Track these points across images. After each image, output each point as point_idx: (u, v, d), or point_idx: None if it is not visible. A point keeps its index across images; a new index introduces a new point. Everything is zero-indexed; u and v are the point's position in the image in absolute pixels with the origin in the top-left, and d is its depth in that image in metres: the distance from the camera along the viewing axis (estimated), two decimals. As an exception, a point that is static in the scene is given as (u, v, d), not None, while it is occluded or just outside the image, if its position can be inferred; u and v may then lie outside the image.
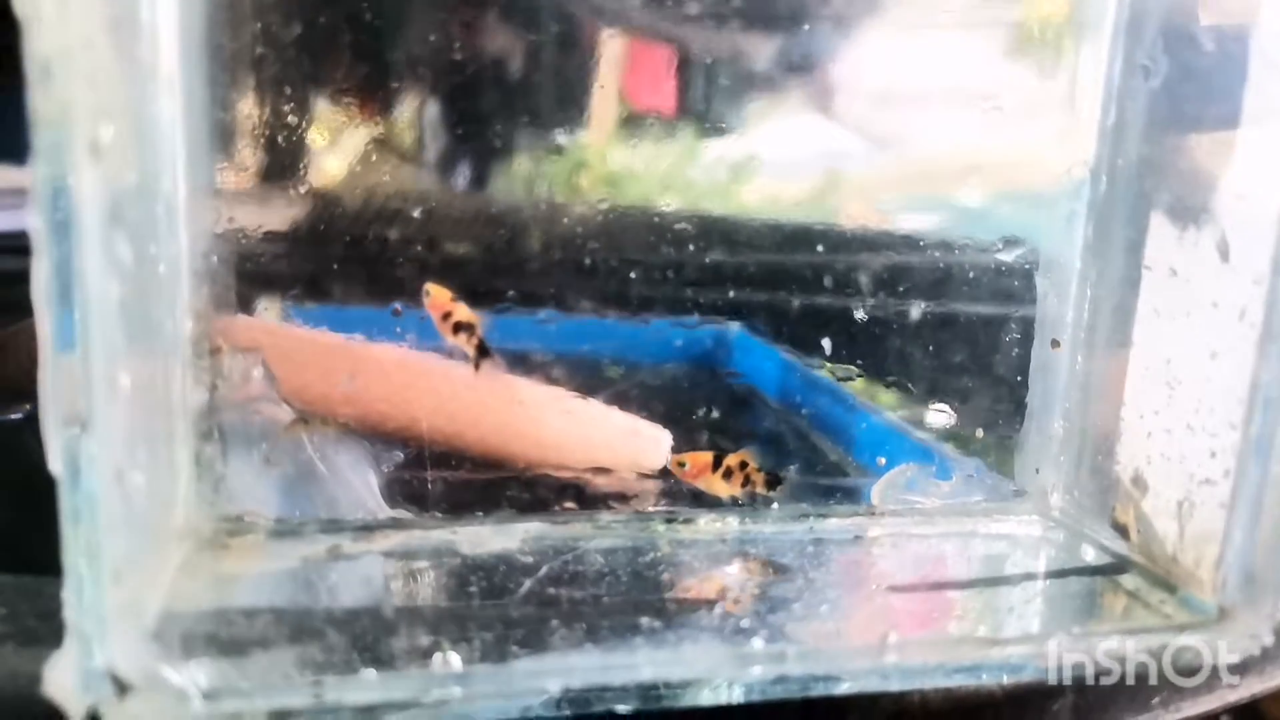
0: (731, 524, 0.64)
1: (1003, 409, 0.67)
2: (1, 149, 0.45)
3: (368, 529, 0.60)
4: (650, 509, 0.64)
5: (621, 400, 0.66)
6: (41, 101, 0.38)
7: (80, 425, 0.40)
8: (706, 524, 0.64)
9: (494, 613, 0.52)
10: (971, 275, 0.66)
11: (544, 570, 0.57)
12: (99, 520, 0.41)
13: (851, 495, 0.67)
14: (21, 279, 0.40)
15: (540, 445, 0.69)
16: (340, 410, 0.63)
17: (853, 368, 0.66)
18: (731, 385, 0.69)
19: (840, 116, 0.66)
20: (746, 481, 0.62)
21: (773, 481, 0.63)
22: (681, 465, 0.62)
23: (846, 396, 0.70)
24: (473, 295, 0.60)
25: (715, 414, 0.65)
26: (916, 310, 0.65)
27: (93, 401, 0.40)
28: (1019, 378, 0.66)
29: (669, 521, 0.64)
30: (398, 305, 0.61)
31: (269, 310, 0.60)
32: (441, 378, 0.66)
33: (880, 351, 0.66)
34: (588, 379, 0.66)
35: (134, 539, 0.46)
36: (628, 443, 0.70)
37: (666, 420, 0.66)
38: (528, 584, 0.55)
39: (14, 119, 0.39)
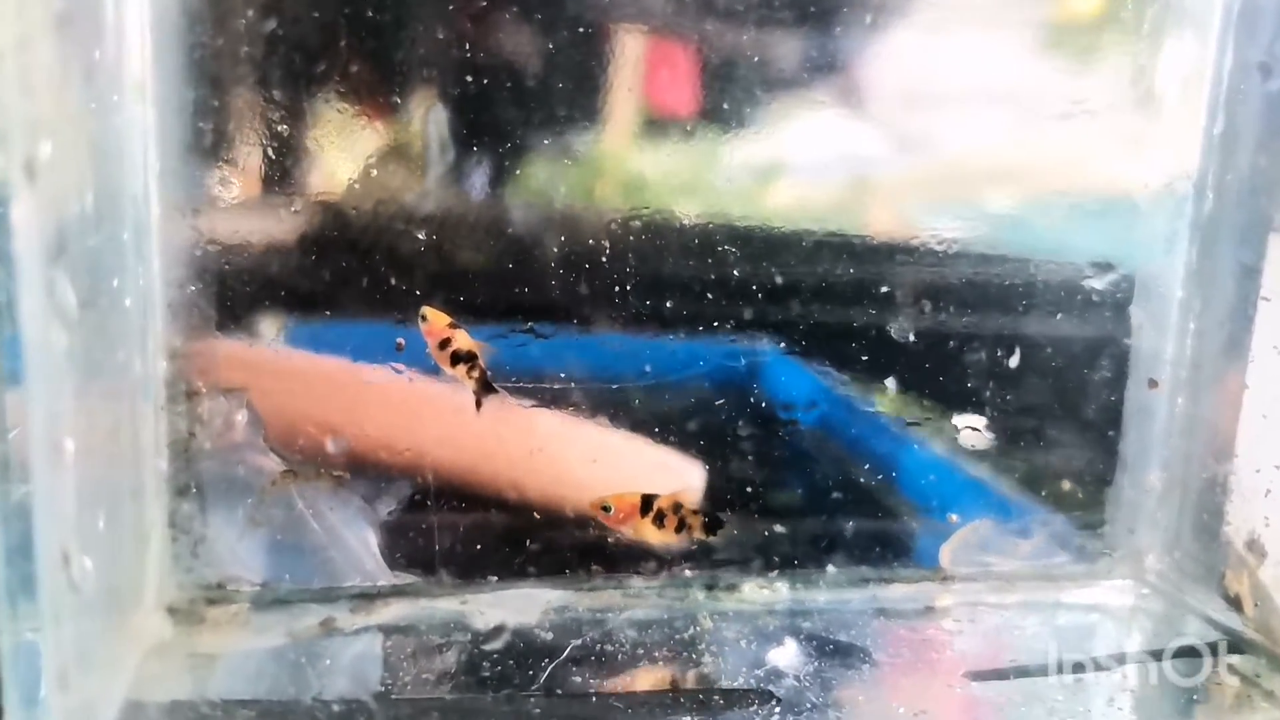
0: (781, 591, 0.56)
1: (1091, 456, 0.59)
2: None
3: (366, 598, 0.53)
4: (687, 572, 0.57)
5: (640, 427, 0.59)
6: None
7: (15, 506, 0.33)
8: (752, 591, 0.56)
9: (511, 708, 0.44)
10: (1054, 302, 0.57)
11: (568, 650, 0.49)
12: (42, 615, 0.35)
13: (904, 545, 0.59)
14: None
15: (559, 481, 0.62)
16: (337, 444, 0.56)
17: (919, 407, 0.59)
18: (765, 412, 0.62)
19: (890, 120, 0.59)
20: (681, 526, 0.53)
21: (712, 526, 0.54)
22: (605, 509, 0.52)
23: (896, 430, 0.62)
24: (482, 311, 0.53)
25: (746, 445, 0.58)
26: (991, 341, 0.58)
27: (30, 474, 0.33)
28: (1111, 421, 0.58)
29: (709, 588, 0.56)
30: (400, 339, 0.54)
31: (266, 330, 0.54)
32: (450, 407, 0.59)
33: (948, 387, 0.58)
34: (604, 402, 0.58)
35: (88, 626, 0.39)
36: (656, 477, 0.63)
37: (688, 451, 0.58)
38: (549, 669, 0.48)
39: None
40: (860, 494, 0.59)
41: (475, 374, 0.54)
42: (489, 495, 0.57)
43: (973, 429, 0.58)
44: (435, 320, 0.54)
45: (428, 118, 0.53)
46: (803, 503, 0.58)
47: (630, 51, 0.55)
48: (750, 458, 0.57)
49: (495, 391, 0.54)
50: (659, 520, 0.53)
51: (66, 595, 0.34)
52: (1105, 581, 0.58)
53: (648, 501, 0.53)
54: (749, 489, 0.57)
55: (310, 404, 0.55)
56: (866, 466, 0.59)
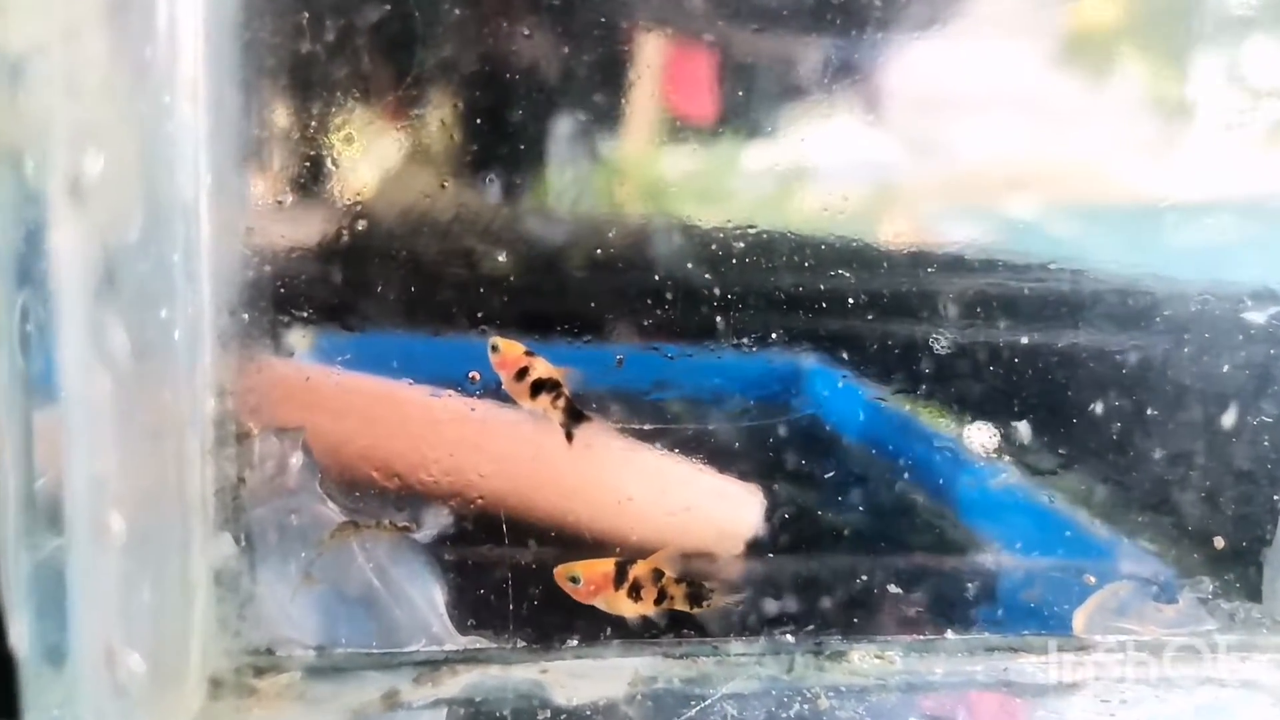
0: (894, 660, 0.50)
1: (1244, 509, 0.52)
2: None
3: (432, 665, 0.47)
4: (789, 635, 0.51)
5: (679, 446, 0.53)
6: (2, 120, 0.26)
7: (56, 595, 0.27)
8: (863, 660, 0.50)
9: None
10: (1202, 336, 0.52)
11: (664, 735, 0.43)
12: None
13: (1034, 610, 0.53)
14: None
15: (617, 511, 0.56)
16: (401, 489, 0.50)
17: (1047, 456, 0.52)
18: (811, 430, 0.55)
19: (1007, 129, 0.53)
20: (662, 597, 0.46)
21: (696, 596, 0.47)
22: (574, 580, 0.46)
23: (1017, 483, 0.56)
24: (510, 323, 0.48)
25: (793, 465, 0.51)
26: (1128, 383, 0.51)
27: (72, 560, 0.28)
28: (1271, 471, 0.52)
29: (815, 655, 0.50)
30: (474, 373, 0.49)
31: (324, 360, 0.48)
32: (502, 431, 0.53)
33: (1076, 434, 0.52)
34: (640, 417, 0.52)
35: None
36: (716, 507, 0.57)
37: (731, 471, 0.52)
38: (647, 760, 0.42)
39: None
40: (977, 551, 0.53)
41: (561, 403, 0.48)
42: (542, 518, 0.52)
43: (1116, 481, 0.52)
44: (508, 350, 0.48)
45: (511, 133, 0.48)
46: (913, 560, 0.52)
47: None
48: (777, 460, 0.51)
49: (586, 419, 0.49)
50: (635, 592, 0.47)
51: (110, 701, 0.28)
52: (1266, 655, 0.51)
53: (622, 570, 0.47)
54: (840, 537, 0.51)
55: (373, 444, 0.49)
56: (981, 521, 0.53)
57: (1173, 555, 0.52)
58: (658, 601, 0.47)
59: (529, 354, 0.48)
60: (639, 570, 0.47)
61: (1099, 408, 0.51)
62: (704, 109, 0.53)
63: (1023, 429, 0.50)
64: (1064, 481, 0.51)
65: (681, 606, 0.47)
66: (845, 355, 0.50)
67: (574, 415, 0.48)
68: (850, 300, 0.50)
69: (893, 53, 0.49)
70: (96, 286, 0.28)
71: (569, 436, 0.48)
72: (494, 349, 0.47)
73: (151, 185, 0.35)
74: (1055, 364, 0.51)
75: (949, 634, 0.51)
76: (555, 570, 0.47)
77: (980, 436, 0.51)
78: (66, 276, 0.25)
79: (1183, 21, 0.51)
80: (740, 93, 0.50)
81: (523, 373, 0.47)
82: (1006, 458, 0.51)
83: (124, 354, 0.29)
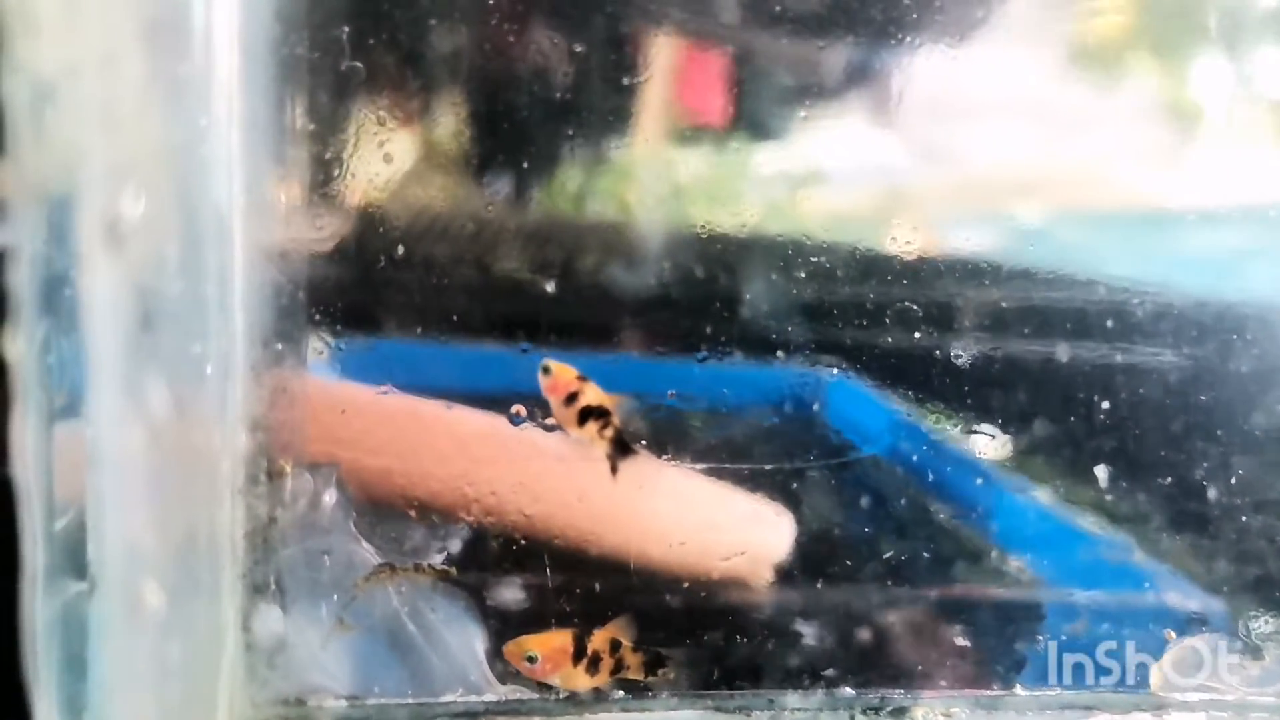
0: (959, 715, 0.48)
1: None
2: None
3: (470, 716, 0.45)
4: (846, 688, 0.48)
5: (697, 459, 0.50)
6: (28, 153, 0.23)
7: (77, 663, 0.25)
8: (925, 716, 0.48)
9: None
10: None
11: (722, 803, 0.41)
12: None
13: (1108, 664, 0.50)
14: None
15: (644, 533, 0.54)
16: (441, 529, 0.48)
17: (1121, 499, 0.49)
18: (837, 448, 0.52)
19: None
20: (618, 668, 0.44)
21: (654, 664, 0.45)
22: (530, 659, 0.43)
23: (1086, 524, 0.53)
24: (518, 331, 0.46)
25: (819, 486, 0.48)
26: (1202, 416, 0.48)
27: (106, 629, 0.25)
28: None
29: (875, 711, 0.48)
30: (519, 407, 0.46)
31: (361, 391, 0.46)
32: (527, 450, 0.51)
33: (1143, 463, 0.49)
34: (655, 432, 0.50)
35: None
36: (746, 531, 0.55)
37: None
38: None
39: None
40: (1041, 597, 0.50)
41: (608, 433, 0.45)
42: (567, 540, 0.49)
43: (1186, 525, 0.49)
44: (560, 374, 0.45)
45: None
46: (981, 610, 0.49)
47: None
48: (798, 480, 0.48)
49: (633, 453, 0.46)
50: (594, 666, 0.44)
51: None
52: (1360, 717, 0.49)
53: (580, 643, 0.44)
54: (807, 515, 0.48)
55: (410, 479, 0.47)
56: (1047, 565, 0.50)
57: (1257, 608, 0.50)
58: (614, 672, 0.45)
59: (581, 378, 0.45)
60: (597, 642, 0.44)
61: (1173, 444, 0.48)
62: (716, 113, 0.51)
63: (1101, 473, 0.47)
64: (1144, 531, 0.48)
65: (636, 676, 0.45)
66: (867, 366, 0.48)
67: (621, 448, 0.45)
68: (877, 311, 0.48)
69: (904, 58, 0.48)
70: (132, 334, 0.25)
71: (614, 469, 0.46)
72: (545, 371, 0.45)
73: (187, 216, 0.33)
74: (1139, 400, 0.48)
75: (1019, 690, 0.48)
76: (506, 648, 0.44)
77: (1065, 483, 0.49)
78: (103, 330, 0.23)
79: (1194, 28, 0.48)
80: (752, 97, 0.48)
81: (572, 398, 0.45)
82: (1090, 503, 0.48)
83: (162, 407, 0.26)
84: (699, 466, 0.49)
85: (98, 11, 0.24)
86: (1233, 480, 0.49)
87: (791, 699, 0.47)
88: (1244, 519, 0.49)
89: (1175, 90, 0.50)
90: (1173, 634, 0.48)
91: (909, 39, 0.47)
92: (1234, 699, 0.48)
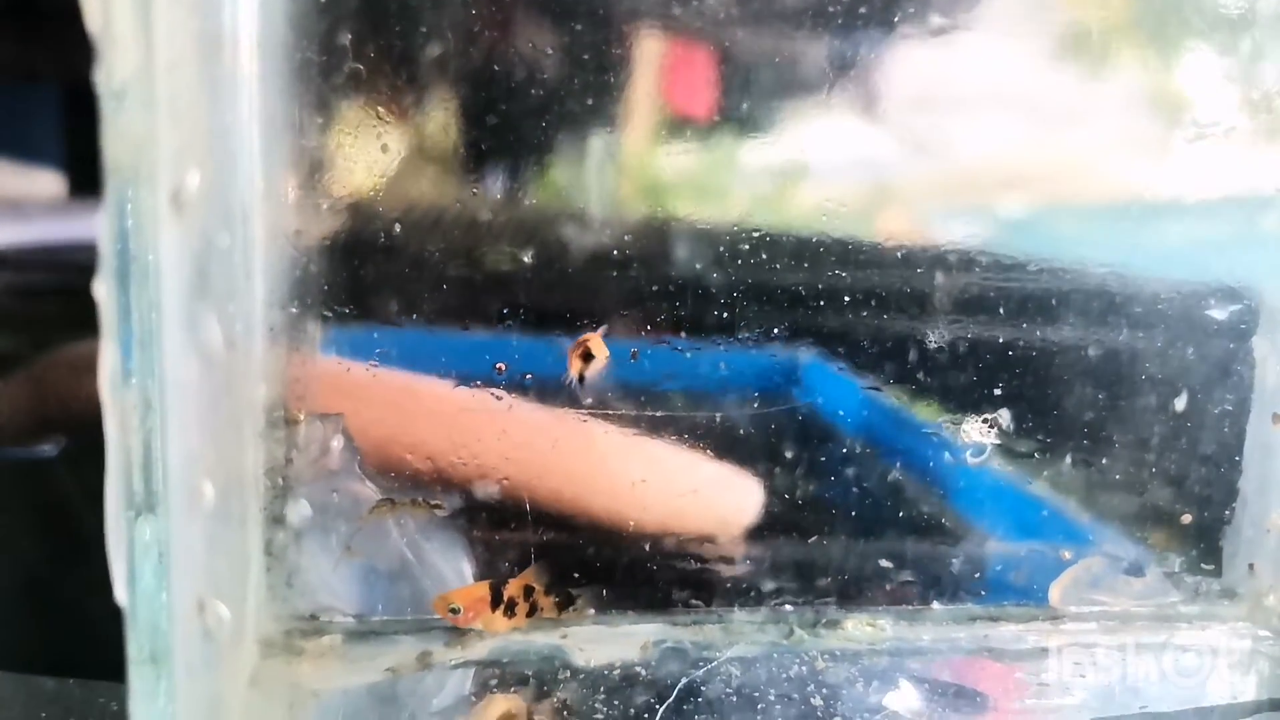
0: (885, 628, 0.54)
1: (1207, 491, 0.57)
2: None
3: (461, 630, 0.52)
4: (788, 605, 0.55)
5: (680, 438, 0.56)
6: (112, 139, 0.30)
7: (158, 552, 0.31)
8: (856, 628, 0.54)
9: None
10: (1171, 331, 0.55)
11: (675, 693, 0.48)
12: (174, 669, 0.33)
13: (1012, 581, 0.57)
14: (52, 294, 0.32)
15: (619, 497, 0.60)
16: (433, 472, 0.54)
17: (1024, 441, 0.56)
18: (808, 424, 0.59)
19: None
20: (533, 610, 0.50)
21: (564, 603, 0.51)
22: (454, 610, 0.49)
23: (994, 467, 0.60)
24: (510, 317, 0.51)
25: (790, 458, 0.55)
26: (1100, 372, 0.56)
27: (171, 523, 0.32)
28: (1231, 456, 0.56)
29: (813, 625, 0.55)
30: (500, 364, 0.53)
31: (363, 353, 0.52)
32: (510, 421, 0.57)
33: (1051, 419, 0.56)
34: (640, 412, 0.56)
35: (214, 670, 0.38)
36: (717, 496, 0.61)
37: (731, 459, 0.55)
38: (660, 713, 0.46)
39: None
40: (964, 532, 0.57)
41: (582, 368, 0.52)
42: (549, 505, 0.56)
43: (1091, 465, 0.56)
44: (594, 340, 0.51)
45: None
46: (904, 539, 0.56)
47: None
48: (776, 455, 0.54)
49: (594, 358, 0.51)
50: (510, 610, 0.50)
51: (199, 645, 0.32)
52: (1223, 624, 0.55)
53: (497, 591, 0.50)
54: (835, 518, 0.55)
55: (405, 430, 0.54)
56: (967, 505, 0.57)
57: (1142, 534, 0.57)
58: (530, 614, 0.51)
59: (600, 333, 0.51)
60: (512, 590, 0.50)
61: (1079, 398, 0.55)
62: (703, 107, 0.56)
63: (1004, 417, 0.54)
64: (1044, 467, 0.56)
65: (550, 615, 0.51)
66: (841, 349, 0.54)
67: (586, 357, 0.52)
68: (846, 296, 0.55)
69: (890, 51, 0.51)
70: (194, 286, 0.32)
71: (580, 379, 0.52)
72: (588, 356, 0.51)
73: (227, 197, 0.39)
74: (1040, 357, 0.55)
75: (935, 605, 0.55)
76: (433, 603, 0.50)
77: (967, 425, 0.56)
78: (170, 277, 0.30)
79: (1179, 21, 0.53)
80: (739, 91, 0.53)
81: (583, 347, 0.51)
82: (991, 445, 0.55)
83: (216, 343, 0.33)
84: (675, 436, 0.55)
85: (164, 27, 0.30)
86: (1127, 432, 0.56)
87: (739, 615, 0.53)
88: (1132, 461, 0.56)
89: (1162, 82, 0.52)
90: (1068, 554, 0.56)
91: (895, 31, 0.49)
92: (1119, 610, 0.56)
